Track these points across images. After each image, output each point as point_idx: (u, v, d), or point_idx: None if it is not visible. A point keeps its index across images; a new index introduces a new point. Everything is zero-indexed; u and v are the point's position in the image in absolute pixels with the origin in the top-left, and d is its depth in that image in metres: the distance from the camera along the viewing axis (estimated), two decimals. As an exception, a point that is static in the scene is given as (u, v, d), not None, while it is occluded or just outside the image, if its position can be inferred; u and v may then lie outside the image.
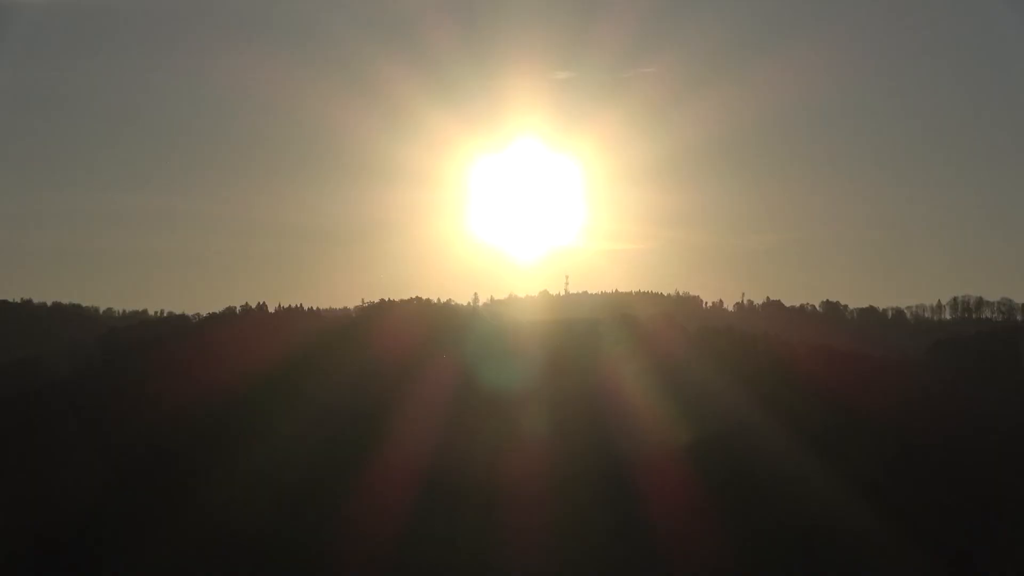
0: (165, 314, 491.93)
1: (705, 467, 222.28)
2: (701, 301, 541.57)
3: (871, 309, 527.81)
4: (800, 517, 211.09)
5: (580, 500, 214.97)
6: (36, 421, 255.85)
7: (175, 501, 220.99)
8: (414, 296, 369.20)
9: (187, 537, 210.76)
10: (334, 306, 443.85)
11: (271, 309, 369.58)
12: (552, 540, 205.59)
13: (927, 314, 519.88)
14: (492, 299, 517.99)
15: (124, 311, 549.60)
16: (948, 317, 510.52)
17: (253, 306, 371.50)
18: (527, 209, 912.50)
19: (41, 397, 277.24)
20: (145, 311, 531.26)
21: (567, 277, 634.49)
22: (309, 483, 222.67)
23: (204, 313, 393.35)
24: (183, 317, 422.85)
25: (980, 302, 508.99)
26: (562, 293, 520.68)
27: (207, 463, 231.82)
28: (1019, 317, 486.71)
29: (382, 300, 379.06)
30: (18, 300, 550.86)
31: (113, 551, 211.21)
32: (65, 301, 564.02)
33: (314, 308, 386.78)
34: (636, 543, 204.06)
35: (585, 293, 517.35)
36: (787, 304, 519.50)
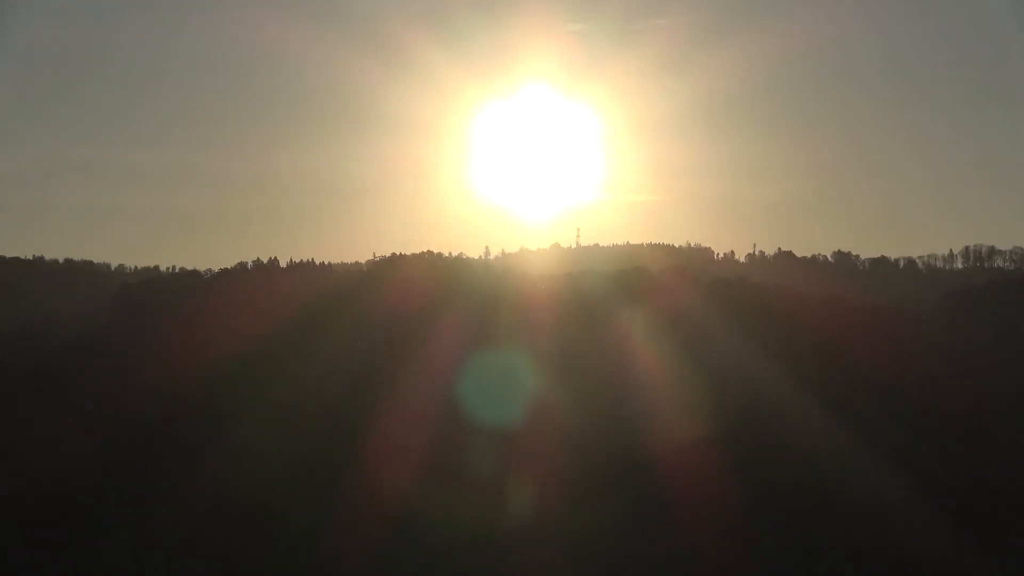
0: (177, 270, 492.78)
1: (715, 420, 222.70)
2: (713, 253, 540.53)
3: (883, 259, 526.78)
4: (811, 468, 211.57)
5: (592, 453, 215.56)
6: (49, 379, 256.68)
7: (188, 457, 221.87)
8: (425, 250, 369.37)
9: (201, 493, 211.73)
10: (345, 260, 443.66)
11: (282, 264, 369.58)
12: (563, 491, 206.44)
13: (939, 264, 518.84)
14: (503, 252, 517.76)
15: (136, 267, 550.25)
16: (960, 266, 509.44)
17: (264, 261, 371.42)
18: (537, 159, 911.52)
19: (55, 355, 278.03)
20: (157, 267, 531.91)
21: (578, 230, 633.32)
22: (322, 437, 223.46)
23: (215, 269, 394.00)
24: (195, 273, 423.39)
25: (992, 251, 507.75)
26: (573, 246, 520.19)
27: (220, 418, 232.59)
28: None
29: (393, 254, 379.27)
30: (30, 257, 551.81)
31: (126, 509, 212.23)
32: (77, 258, 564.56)
33: (325, 263, 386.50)
34: (647, 492, 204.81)
35: (596, 246, 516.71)
36: (799, 255, 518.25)
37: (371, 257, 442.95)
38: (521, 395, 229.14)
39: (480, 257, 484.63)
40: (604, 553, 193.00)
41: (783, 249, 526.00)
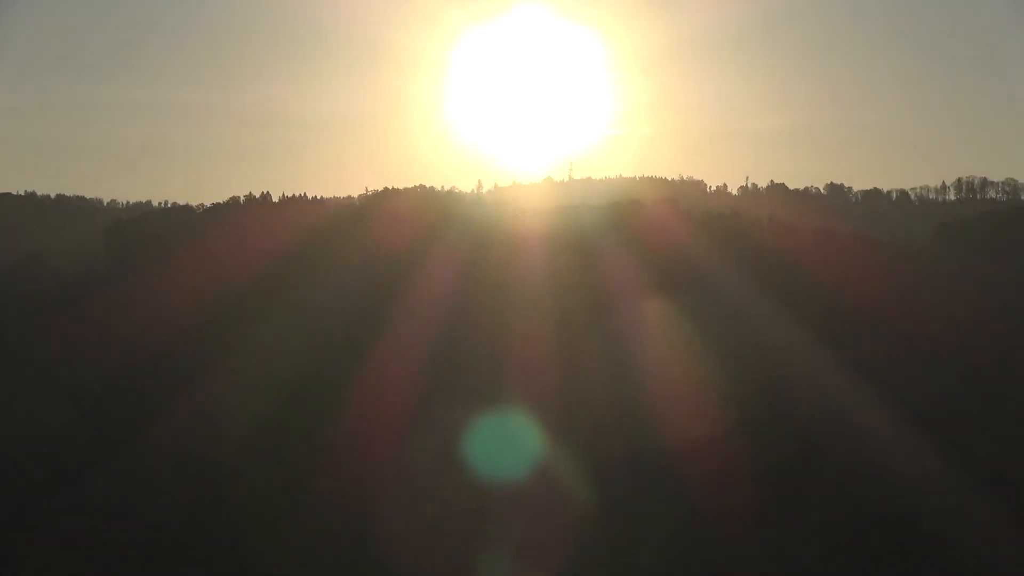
0: (169, 205, 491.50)
1: (706, 354, 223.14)
2: (705, 186, 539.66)
3: (875, 191, 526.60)
4: (803, 404, 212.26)
5: (585, 388, 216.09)
6: (43, 315, 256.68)
7: (181, 391, 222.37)
8: (417, 184, 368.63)
9: (194, 426, 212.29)
10: (338, 195, 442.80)
11: (275, 199, 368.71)
12: (560, 426, 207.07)
13: (931, 195, 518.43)
14: (496, 186, 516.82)
15: (128, 202, 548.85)
16: (952, 198, 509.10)
17: (257, 196, 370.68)
18: (529, 88, 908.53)
19: (47, 289, 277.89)
20: (149, 202, 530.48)
21: (571, 164, 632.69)
22: (314, 372, 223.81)
23: (208, 204, 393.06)
24: (187, 208, 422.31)
25: (985, 182, 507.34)
26: (565, 180, 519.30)
27: (213, 352, 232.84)
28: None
29: (385, 188, 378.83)
30: (22, 192, 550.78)
31: (119, 442, 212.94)
32: (69, 193, 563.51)
33: (318, 197, 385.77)
34: (641, 423, 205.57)
35: (588, 179, 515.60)
36: (791, 187, 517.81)
37: (363, 192, 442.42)
38: (515, 331, 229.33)
39: (472, 191, 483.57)
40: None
41: (775, 182, 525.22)
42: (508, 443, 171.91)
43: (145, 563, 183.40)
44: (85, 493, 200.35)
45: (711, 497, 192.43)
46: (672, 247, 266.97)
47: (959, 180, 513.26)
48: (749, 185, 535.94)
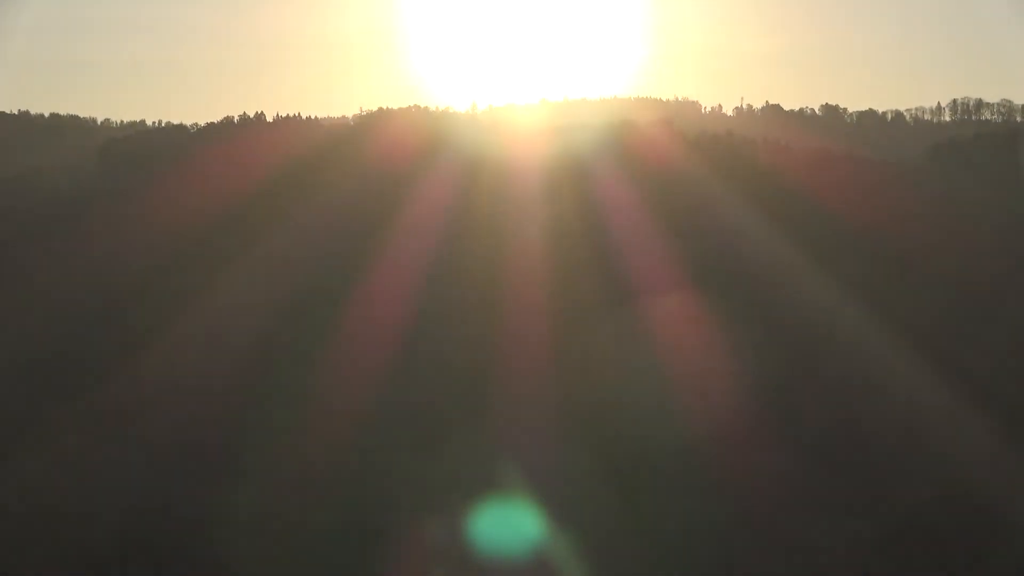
0: (163, 124, 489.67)
1: (703, 274, 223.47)
2: (700, 107, 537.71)
3: (870, 112, 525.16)
4: (798, 322, 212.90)
5: (579, 311, 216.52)
6: (37, 234, 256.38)
7: (176, 310, 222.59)
8: (412, 104, 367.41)
9: (187, 345, 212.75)
10: (332, 115, 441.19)
11: (269, 118, 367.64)
12: (550, 352, 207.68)
13: (926, 116, 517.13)
14: (491, 107, 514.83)
15: (122, 122, 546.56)
16: (947, 119, 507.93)
17: (251, 116, 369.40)
18: (524, 9, 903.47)
19: (42, 209, 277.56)
20: (143, 122, 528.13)
21: (566, 84, 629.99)
22: (309, 291, 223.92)
23: (202, 123, 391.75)
24: (181, 127, 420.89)
25: (980, 104, 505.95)
26: (561, 100, 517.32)
27: (208, 272, 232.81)
28: (1019, 119, 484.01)
29: (380, 108, 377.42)
30: (15, 111, 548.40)
31: (113, 360, 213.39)
32: (63, 112, 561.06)
33: (312, 117, 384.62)
34: (634, 343, 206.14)
35: (584, 100, 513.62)
36: (786, 108, 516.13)
37: (358, 112, 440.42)
38: (509, 252, 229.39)
39: (467, 112, 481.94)
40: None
41: (771, 103, 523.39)
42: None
43: (139, 481, 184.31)
44: (80, 411, 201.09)
45: (709, 410, 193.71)
46: (667, 167, 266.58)
47: (954, 101, 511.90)
48: (744, 106, 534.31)
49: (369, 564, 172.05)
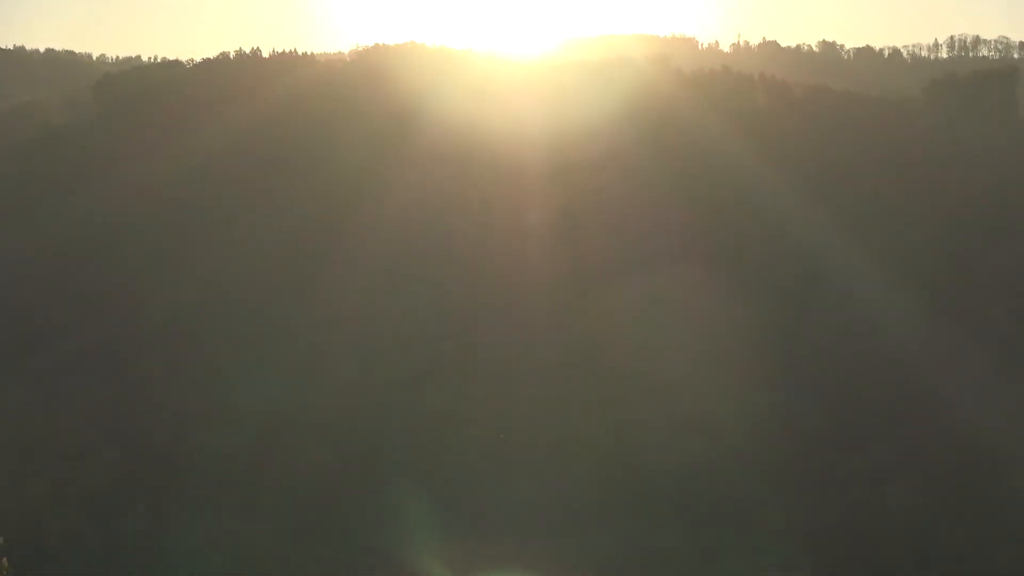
0: (159, 60, 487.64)
1: (699, 209, 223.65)
2: (696, 43, 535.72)
3: (867, 48, 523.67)
4: (796, 259, 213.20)
5: (576, 234, 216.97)
6: (33, 170, 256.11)
7: (174, 246, 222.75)
8: (408, 40, 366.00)
9: (187, 282, 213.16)
10: (328, 51, 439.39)
11: (265, 54, 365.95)
12: (542, 277, 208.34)
13: (923, 53, 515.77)
14: (488, 46, 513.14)
15: (118, 57, 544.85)
16: (944, 56, 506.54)
17: (247, 51, 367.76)
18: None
19: (38, 146, 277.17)
20: (139, 57, 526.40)
21: (562, 20, 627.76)
22: (306, 226, 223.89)
23: (198, 59, 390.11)
24: (177, 63, 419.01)
25: (977, 40, 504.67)
26: (558, 37, 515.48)
27: (206, 209, 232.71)
28: (1016, 56, 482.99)
29: (376, 44, 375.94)
30: (11, 47, 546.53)
31: (112, 297, 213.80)
32: (58, 47, 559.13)
33: (308, 53, 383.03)
34: (633, 264, 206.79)
35: (581, 36, 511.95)
36: (783, 44, 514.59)
37: (354, 48, 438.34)
38: (505, 185, 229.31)
39: (463, 48, 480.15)
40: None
41: (767, 39, 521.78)
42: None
43: (132, 417, 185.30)
44: (77, 349, 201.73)
45: (704, 350, 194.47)
46: (664, 103, 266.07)
47: (951, 38, 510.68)
48: (741, 42, 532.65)
49: (363, 497, 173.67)
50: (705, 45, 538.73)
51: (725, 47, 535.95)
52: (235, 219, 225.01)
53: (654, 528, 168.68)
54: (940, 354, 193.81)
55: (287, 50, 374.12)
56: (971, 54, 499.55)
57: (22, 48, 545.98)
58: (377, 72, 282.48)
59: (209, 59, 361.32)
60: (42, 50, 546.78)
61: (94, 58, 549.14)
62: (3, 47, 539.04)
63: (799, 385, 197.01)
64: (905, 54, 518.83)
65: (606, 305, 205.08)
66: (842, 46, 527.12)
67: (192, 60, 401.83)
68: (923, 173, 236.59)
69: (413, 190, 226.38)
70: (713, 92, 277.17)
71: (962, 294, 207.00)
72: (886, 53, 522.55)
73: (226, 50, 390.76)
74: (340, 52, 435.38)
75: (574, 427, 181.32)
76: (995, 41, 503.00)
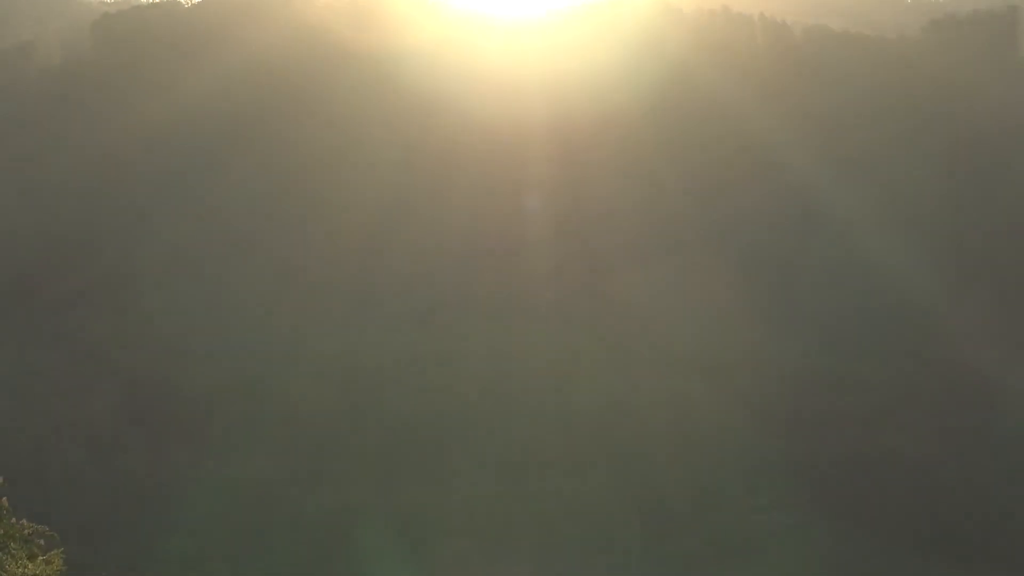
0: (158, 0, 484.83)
1: (697, 148, 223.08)
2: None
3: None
4: (794, 199, 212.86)
5: (576, 188, 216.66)
6: (30, 110, 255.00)
7: (172, 185, 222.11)
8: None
9: (186, 218, 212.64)
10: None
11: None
12: (542, 220, 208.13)
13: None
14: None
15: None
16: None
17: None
18: None
19: (35, 85, 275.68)
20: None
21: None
22: (305, 162, 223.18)
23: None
24: (176, 3, 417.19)
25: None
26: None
27: (203, 146, 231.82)
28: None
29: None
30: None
31: (110, 234, 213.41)
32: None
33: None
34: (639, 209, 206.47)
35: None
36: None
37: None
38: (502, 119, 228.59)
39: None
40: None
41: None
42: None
43: (132, 354, 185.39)
44: (71, 285, 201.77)
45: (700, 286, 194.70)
46: (663, 44, 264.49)
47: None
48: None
49: (363, 435, 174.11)
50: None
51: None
52: (234, 156, 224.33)
53: (650, 467, 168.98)
54: (939, 292, 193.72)
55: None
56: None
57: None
58: (377, 14, 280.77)
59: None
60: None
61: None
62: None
63: (797, 324, 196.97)
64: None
65: (604, 246, 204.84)
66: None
67: (191, 0, 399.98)
68: (923, 113, 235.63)
69: (414, 132, 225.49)
70: (712, 32, 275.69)
71: (962, 233, 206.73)
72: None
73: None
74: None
75: (573, 366, 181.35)
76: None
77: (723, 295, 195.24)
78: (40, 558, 25.17)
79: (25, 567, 24.07)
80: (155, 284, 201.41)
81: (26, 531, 27.07)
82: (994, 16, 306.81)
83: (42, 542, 27.06)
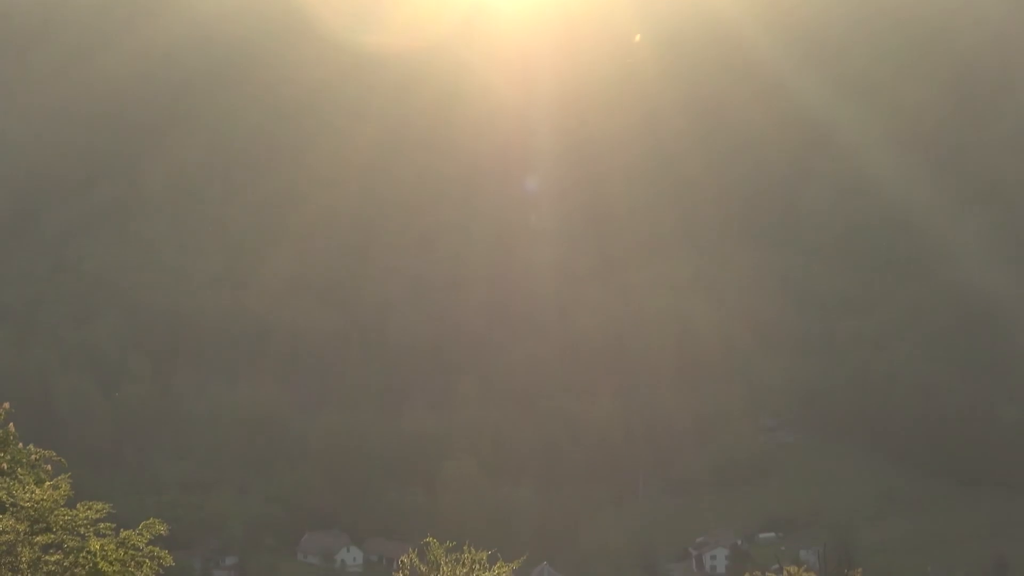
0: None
1: (699, 68, 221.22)
2: None
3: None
4: (798, 119, 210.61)
5: (580, 112, 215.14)
6: (35, 36, 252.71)
7: (176, 113, 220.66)
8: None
9: (191, 146, 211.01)
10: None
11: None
12: (544, 145, 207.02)
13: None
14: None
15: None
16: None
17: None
18: None
19: (35, 5, 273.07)
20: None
21: None
22: (309, 92, 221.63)
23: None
24: None
25: None
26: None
27: (207, 76, 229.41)
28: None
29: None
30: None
31: (115, 161, 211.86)
32: None
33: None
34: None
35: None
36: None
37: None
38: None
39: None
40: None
41: None
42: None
43: (137, 280, 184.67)
44: (76, 212, 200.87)
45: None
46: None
47: None
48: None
49: (368, 360, 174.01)
50: None
51: None
52: (237, 84, 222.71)
53: (655, 390, 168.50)
54: (943, 213, 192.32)
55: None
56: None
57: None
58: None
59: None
60: None
61: None
62: None
63: (800, 246, 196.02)
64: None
65: (605, 167, 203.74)
66: None
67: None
68: (926, 33, 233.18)
69: (413, 63, 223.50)
70: None
71: (965, 151, 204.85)
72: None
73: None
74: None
75: (577, 289, 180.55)
76: None
77: (725, 215, 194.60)
78: (47, 483, 24.98)
79: (33, 492, 23.92)
80: (158, 211, 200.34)
81: (33, 456, 26.85)
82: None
83: (49, 467, 26.84)
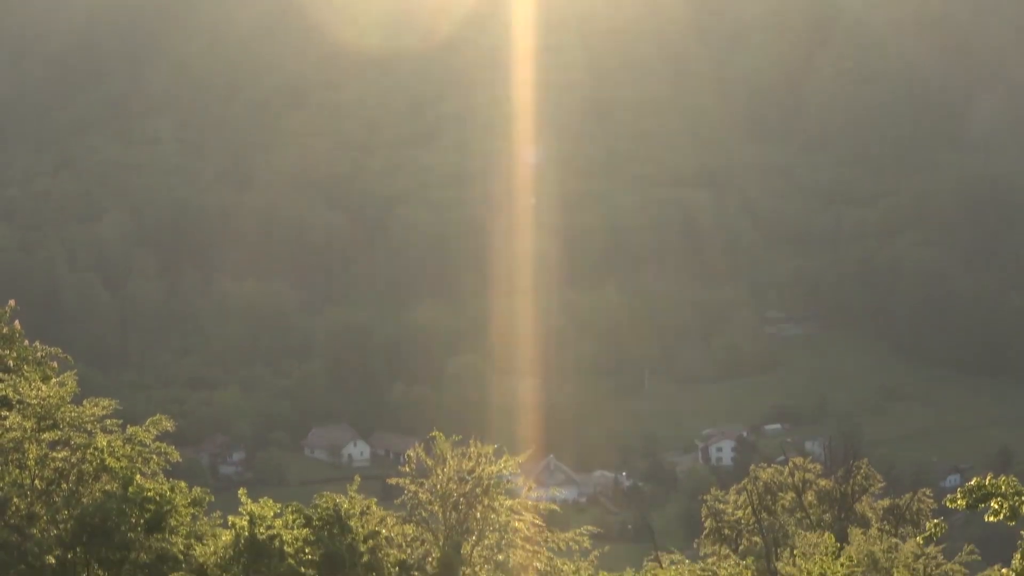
0: None
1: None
2: None
3: None
4: (805, 5, 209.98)
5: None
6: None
7: (180, 13, 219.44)
8: None
9: (190, 46, 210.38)
10: None
11: None
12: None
13: None
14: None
15: None
16: None
17: None
18: None
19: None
20: None
21: None
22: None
23: None
24: None
25: None
26: None
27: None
28: None
29: None
30: None
31: (117, 58, 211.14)
32: None
33: None
34: None
35: None
36: None
37: None
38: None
39: None
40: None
41: None
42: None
43: (142, 178, 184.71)
44: (79, 109, 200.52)
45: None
46: None
47: None
48: None
49: (372, 254, 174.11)
50: None
51: None
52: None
53: (660, 283, 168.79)
54: (952, 100, 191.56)
55: None
56: None
57: None
58: None
59: None
60: None
61: None
62: None
63: (806, 138, 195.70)
64: None
65: (607, 65, 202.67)
66: None
67: None
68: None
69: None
70: None
71: (974, 36, 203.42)
72: None
73: None
74: None
75: (582, 183, 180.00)
76: None
77: (728, 108, 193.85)
78: (53, 380, 24.96)
79: (39, 389, 23.89)
80: (161, 109, 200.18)
81: (39, 353, 26.86)
82: None
83: (55, 364, 26.86)
